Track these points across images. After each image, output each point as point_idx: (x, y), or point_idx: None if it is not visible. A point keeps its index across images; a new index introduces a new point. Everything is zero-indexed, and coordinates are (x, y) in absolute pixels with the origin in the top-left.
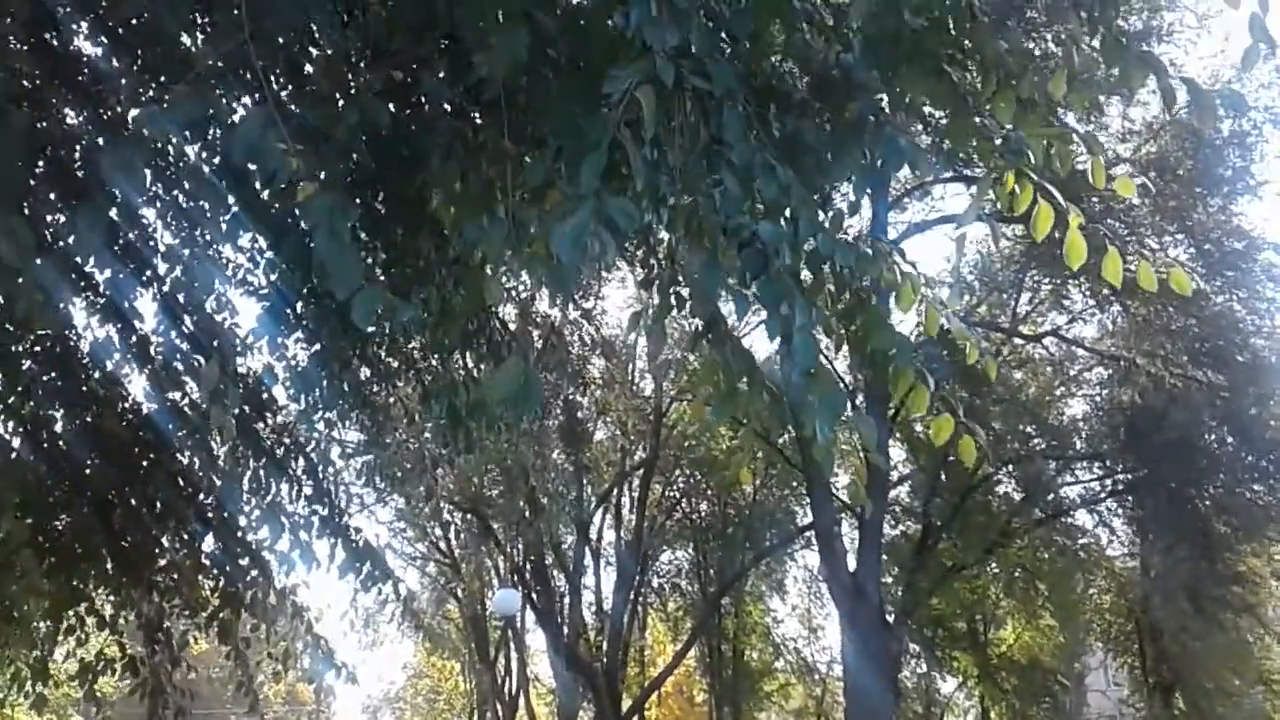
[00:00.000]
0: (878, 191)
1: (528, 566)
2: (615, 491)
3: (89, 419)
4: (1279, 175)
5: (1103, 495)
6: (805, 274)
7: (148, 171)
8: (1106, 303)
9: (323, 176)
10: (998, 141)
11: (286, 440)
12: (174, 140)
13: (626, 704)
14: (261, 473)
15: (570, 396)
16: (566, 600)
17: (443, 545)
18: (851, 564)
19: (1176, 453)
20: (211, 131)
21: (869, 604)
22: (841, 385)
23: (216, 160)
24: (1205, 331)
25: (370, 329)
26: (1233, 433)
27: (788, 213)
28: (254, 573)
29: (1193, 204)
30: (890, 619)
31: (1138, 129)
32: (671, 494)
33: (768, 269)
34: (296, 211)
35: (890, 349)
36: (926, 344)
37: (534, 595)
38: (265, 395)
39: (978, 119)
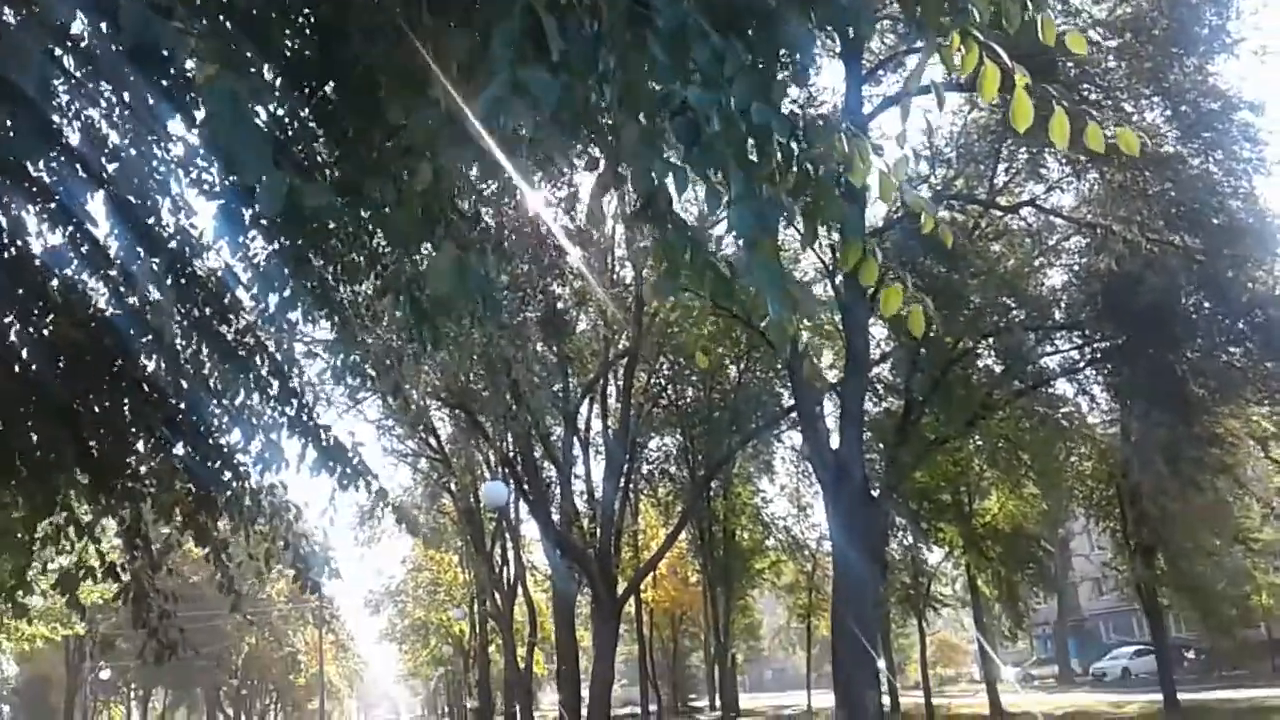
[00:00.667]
0: (850, 63)
1: (517, 459)
2: (601, 381)
3: (49, 328)
4: (1256, 33)
5: (1082, 364)
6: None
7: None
8: (1084, 170)
9: (227, 56)
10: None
11: (251, 341)
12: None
13: (622, 587)
14: (228, 375)
15: (549, 287)
16: (557, 489)
17: (432, 441)
18: (835, 442)
19: (1153, 318)
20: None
21: (852, 480)
22: (796, 260)
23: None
24: (1182, 195)
25: (330, 223)
26: (1209, 296)
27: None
28: (226, 475)
29: (1169, 65)
30: (875, 494)
31: None
32: (657, 381)
33: (699, 138)
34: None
35: (839, 222)
36: (904, 219)
37: (525, 486)
38: (229, 297)
39: None
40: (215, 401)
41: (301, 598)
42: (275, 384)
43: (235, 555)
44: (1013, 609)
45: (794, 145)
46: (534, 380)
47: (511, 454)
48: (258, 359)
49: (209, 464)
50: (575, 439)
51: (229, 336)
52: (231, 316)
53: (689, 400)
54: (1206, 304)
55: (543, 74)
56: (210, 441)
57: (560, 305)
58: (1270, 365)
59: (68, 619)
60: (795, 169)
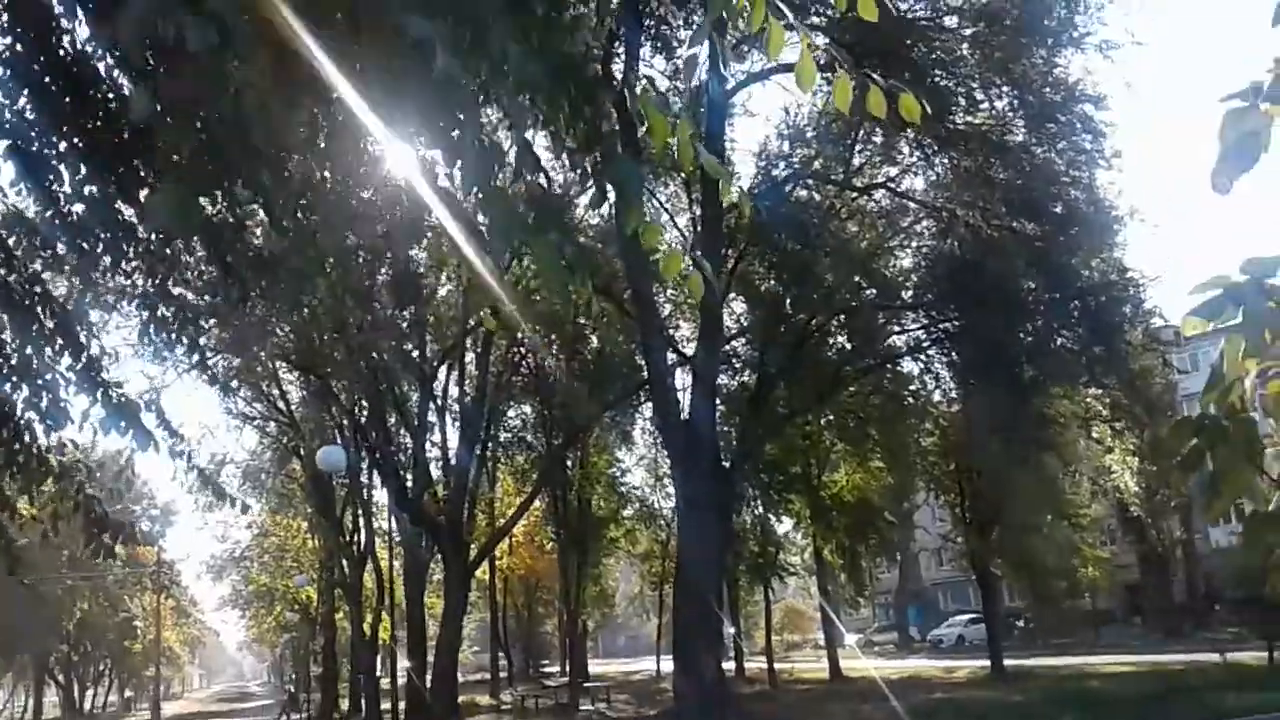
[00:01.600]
0: (718, 34)
1: (369, 424)
2: (459, 348)
3: None
4: (1101, 27)
5: (927, 343)
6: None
7: None
8: (934, 155)
9: None
10: None
11: (38, 291)
12: None
13: (475, 555)
14: (10, 325)
15: (404, 250)
16: (411, 456)
17: (281, 405)
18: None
19: (993, 301)
20: None
21: (701, 450)
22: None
23: None
24: (1025, 183)
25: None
26: (1045, 282)
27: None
28: (3, 433)
29: (1018, 55)
30: (727, 465)
31: None
32: (516, 350)
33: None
34: None
35: (623, 180)
36: (767, 194)
37: (377, 454)
38: (14, 241)
39: None
40: None
41: (140, 562)
42: (61, 339)
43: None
44: (856, 578)
45: (580, 100)
46: (386, 345)
47: (363, 419)
48: (43, 310)
49: None
50: (431, 405)
51: (12, 283)
52: (16, 262)
53: (548, 369)
54: (1043, 289)
55: None
56: None
57: (417, 269)
58: (1099, 350)
59: None
60: (584, 124)
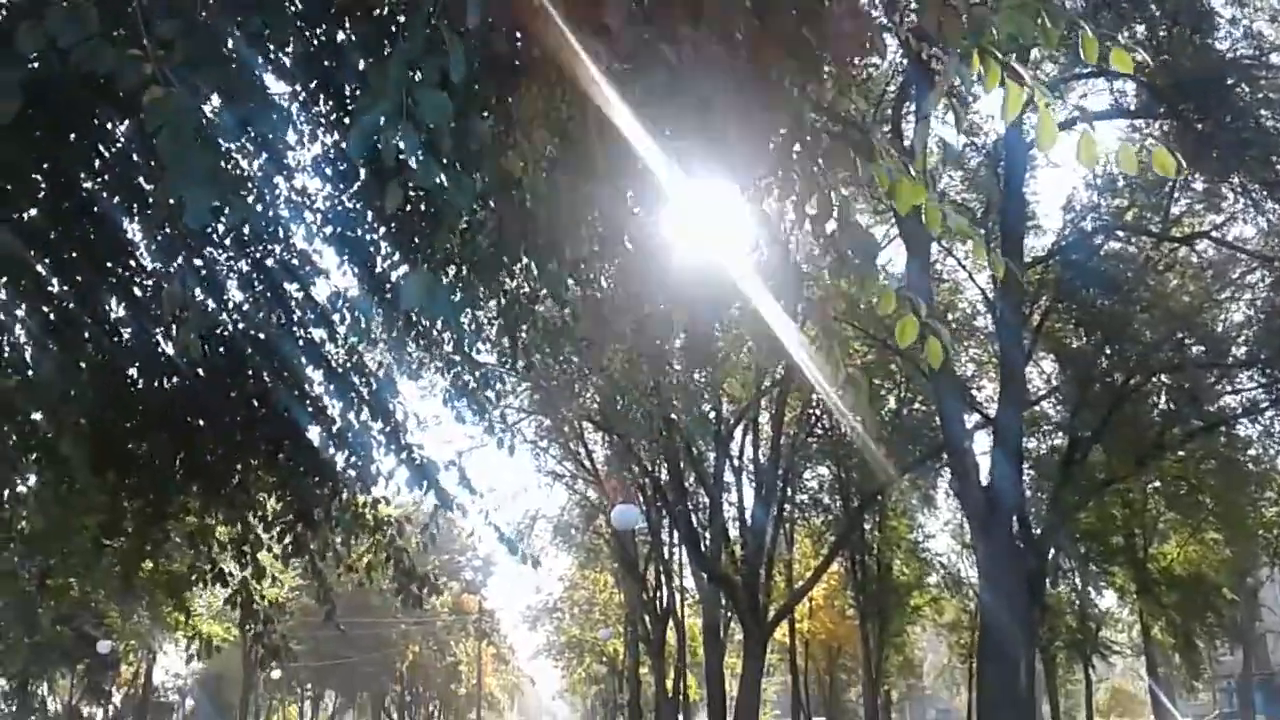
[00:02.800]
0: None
1: (668, 483)
2: (753, 409)
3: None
4: None
5: (1265, 404)
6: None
7: None
8: (1262, 201)
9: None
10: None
11: (351, 362)
12: None
13: (772, 617)
14: (332, 393)
15: (699, 317)
16: (709, 515)
17: (587, 464)
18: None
19: None
20: None
21: (1003, 516)
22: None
23: None
24: None
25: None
26: None
27: None
28: (326, 489)
29: None
30: (1036, 533)
31: None
32: (811, 411)
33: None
34: None
35: (850, 251)
36: (1074, 246)
37: (675, 511)
38: (336, 317)
39: None
40: (320, 418)
41: (464, 610)
42: (371, 404)
43: (335, 568)
44: (1191, 659)
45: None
46: (679, 406)
47: (662, 478)
48: (359, 378)
49: (307, 478)
50: (728, 465)
51: (332, 357)
52: (339, 336)
53: (844, 431)
54: None
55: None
56: (313, 457)
57: (710, 332)
58: None
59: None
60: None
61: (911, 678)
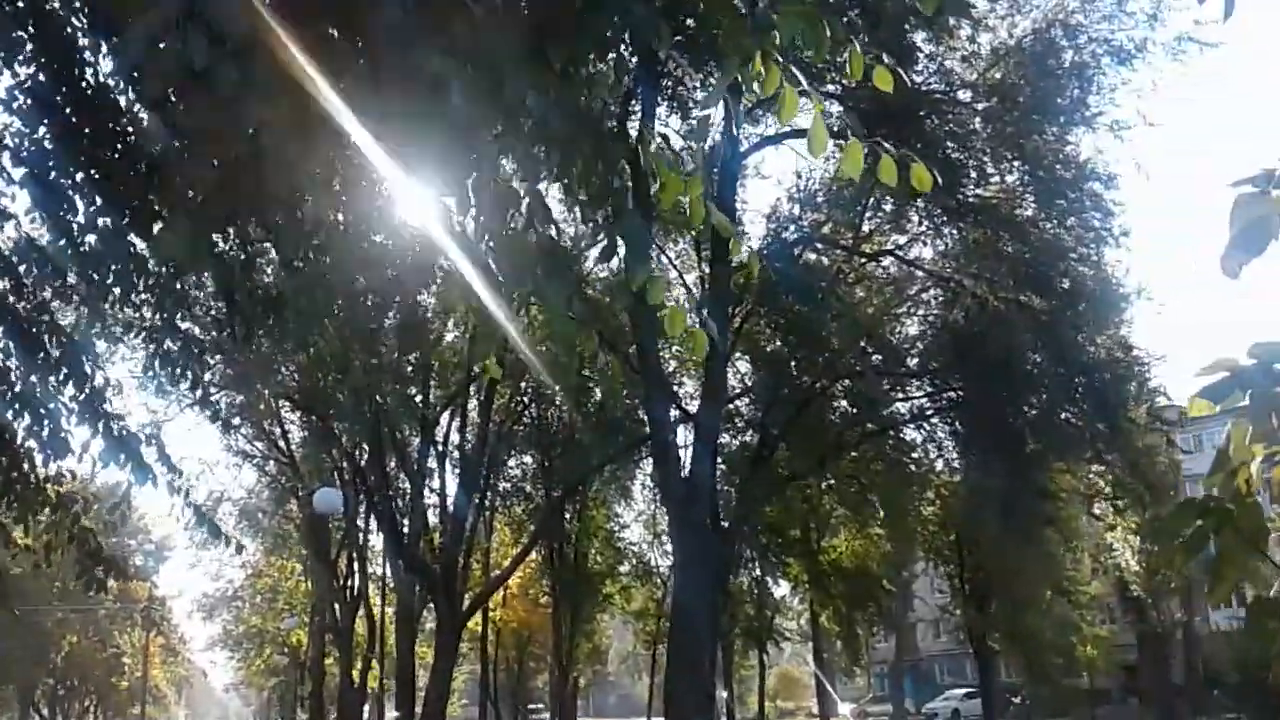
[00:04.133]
0: (729, 100)
1: (368, 468)
2: (462, 396)
3: None
4: (1113, 108)
5: (930, 412)
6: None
7: None
8: (943, 225)
9: None
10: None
11: (44, 319)
12: None
13: (469, 605)
14: (16, 355)
15: (413, 295)
16: (409, 502)
17: (282, 444)
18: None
19: (997, 373)
20: None
21: (699, 507)
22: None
23: None
24: (1033, 257)
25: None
26: (1050, 356)
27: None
28: (2, 460)
29: (1030, 131)
30: (725, 525)
31: (983, 53)
32: (519, 400)
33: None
34: None
35: (632, 235)
36: (776, 255)
37: (375, 497)
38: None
39: None
40: None
41: (131, 597)
42: (66, 368)
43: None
44: (852, 646)
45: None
46: (389, 389)
47: (363, 463)
48: (49, 338)
49: None
50: (432, 452)
51: (20, 310)
52: (26, 290)
53: (550, 421)
54: (1047, 363)
55: None
56: None
57: (424, 315)
58: (1102, 426)
59: None
60: (596, 179)
61: (598, 664)
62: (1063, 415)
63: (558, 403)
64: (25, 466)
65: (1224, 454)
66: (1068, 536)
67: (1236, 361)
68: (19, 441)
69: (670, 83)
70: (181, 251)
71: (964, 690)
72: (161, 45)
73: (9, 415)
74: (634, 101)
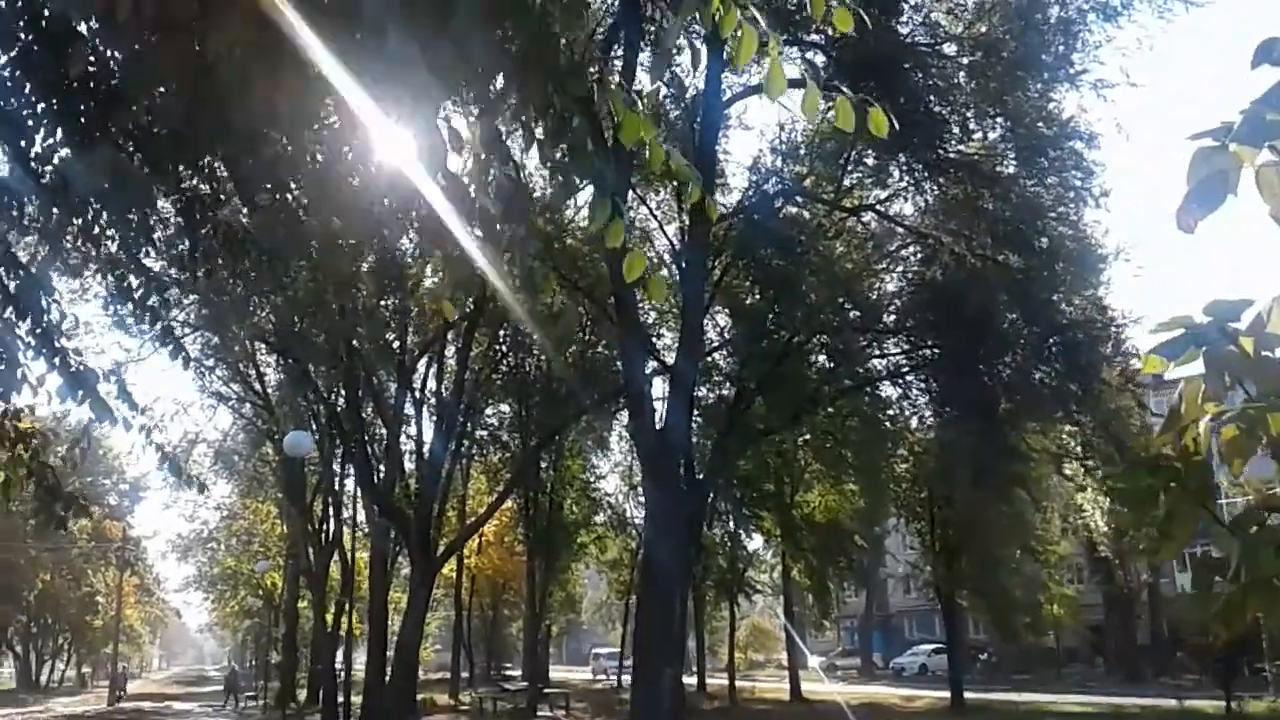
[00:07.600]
0: (711, 49)
1: (345, 413)
2: (440, 342)
3: None
4: (1098, 66)
5: (906, 369)
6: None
7: None
8: (924, 180)
9: None
10: None
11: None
12: None
13: (442, 552)
14: None
15: (392, 238)
16: (385, 447)
17: (258, 386)
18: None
19: (973, 332)
20: None
21: (673, 459)
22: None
23: None
24: (1012, 215)
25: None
26: (1025, 315)
27: None
28: None
29: (1013, 87)
30: (699, 478)
31: (967, 6)
32: (497, 348)
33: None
34: None
35: (594, 175)
36: (756, 207)
37: (351, 442)
38: None
39: None
40: None
41: (105, 536)
42: (21, 302)
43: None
44: (823, 600)
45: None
46: (364, 333)
47: (339, 407)
48: (6, 271)
49: None
50: (409, 398)
51: None
52: None
53: (528, 370)
54: (1023, 323)
55: None
56: None
57: (402, 259)
58: (1075, 387)
59: None
60: (553, 114)
61: (571, 613)
62: (1036, 375)
63: (535, 351)
64: None
65: (1175, 412)
66: (1037, 496)
67: (1192, 319)
68: None
69: (654, 29)
70: (89, 180)
71: (931, 646)
72: None
73: None
74: (616, 47)
